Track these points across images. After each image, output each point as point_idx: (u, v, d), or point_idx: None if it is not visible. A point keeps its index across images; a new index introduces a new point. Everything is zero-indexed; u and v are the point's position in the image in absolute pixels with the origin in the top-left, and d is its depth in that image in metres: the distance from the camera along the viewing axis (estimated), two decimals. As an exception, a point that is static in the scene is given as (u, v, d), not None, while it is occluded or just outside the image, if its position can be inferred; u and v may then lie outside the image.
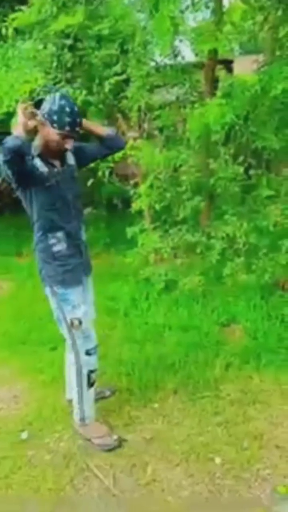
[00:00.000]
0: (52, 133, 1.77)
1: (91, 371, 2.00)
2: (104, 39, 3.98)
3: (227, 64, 6.16)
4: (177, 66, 3.99)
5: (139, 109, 3.84)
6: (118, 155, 3.27)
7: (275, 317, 3.10)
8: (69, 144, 1.82)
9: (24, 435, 2.16)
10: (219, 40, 2.96)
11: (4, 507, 1.82)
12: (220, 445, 2.03)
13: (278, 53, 3.59)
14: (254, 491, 1.80)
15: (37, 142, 1.72)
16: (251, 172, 3.84)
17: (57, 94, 1.79)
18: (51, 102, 1.75)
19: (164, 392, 2.41)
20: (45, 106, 1.77)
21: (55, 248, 1.90)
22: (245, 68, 4.36)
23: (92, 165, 3.19)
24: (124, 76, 3.85)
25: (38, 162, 1.79)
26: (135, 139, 3.99)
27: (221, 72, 4.69)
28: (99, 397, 2.26)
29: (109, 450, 2.01)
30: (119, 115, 4.36)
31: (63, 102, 1.75)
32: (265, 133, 3.22)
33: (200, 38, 3.90)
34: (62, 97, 1.78)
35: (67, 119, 1.75)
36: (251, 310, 3.22)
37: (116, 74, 3.88)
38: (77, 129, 1.81)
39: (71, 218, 1.93)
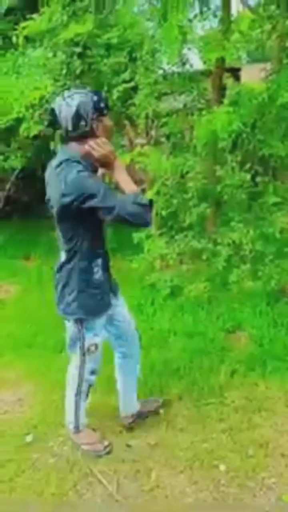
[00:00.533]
0: (108, 121, 1.76)
1: (90, 386, 2.01)
2: (113, 47, 4.04)
3: (235, 72, 6.20)
4: (185, 74, 4.04)
5: (146, 116, 3.88)
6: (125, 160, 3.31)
7: (281, 324, 3.09)
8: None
9: (28, 438, 2.16)
10: (227, 49, 2.99)
11: (7, 509, 1.82)
12: (225, 452, 2.02)
13: (285, 61, 3.62)
14: (259, 500, 1.78)
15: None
16: (258, 179, 3.85)
17: (78, 93, 1.70)
18: (88, 100, 1.67)
19: (169, 397, 2.40)
20: (85, 105, 1.65)
21: (96, 276, 1.82)
22: (253, 76, 4.40)
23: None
24: (132, 84, 3.90)
25: None
26: (142, 145, 4.03)
27: (228, 80, 4.73)
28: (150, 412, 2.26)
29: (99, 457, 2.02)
30: (127, 122, 4.41)
31: (90, 92, 1.71)
32: (272, 140, 3.23)
33: (207, 47, 3.95)
34: (78, 91, 1.72)
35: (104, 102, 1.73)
36: (257, 317, 3.21)
37: (124, 81, 3.93)
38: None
39: (106, 241, 1.89)
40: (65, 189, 1.63)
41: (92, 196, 1.61)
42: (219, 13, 3.41)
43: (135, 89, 3.92)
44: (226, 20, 3.24)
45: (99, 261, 1.82)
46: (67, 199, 1.63)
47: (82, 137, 1.71)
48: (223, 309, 3.35)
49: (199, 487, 1.85)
